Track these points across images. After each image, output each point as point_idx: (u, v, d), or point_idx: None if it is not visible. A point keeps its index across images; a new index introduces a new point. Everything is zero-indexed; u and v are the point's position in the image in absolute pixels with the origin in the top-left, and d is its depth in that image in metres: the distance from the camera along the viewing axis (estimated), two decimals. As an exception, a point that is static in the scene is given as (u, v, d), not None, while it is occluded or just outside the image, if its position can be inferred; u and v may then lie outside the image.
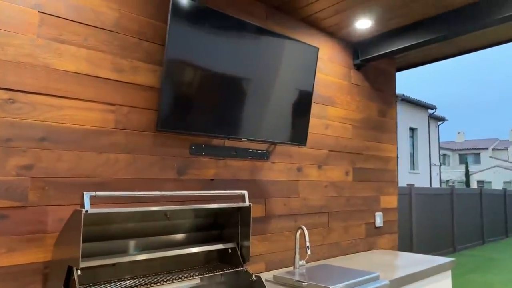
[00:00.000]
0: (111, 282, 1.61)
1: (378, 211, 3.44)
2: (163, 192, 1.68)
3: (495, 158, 35.39)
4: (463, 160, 36.60)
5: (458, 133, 43.77)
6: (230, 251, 1.98)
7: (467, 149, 37.86)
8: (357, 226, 3.21)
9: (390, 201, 3.59)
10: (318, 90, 2.92)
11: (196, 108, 2.04)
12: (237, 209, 2.00)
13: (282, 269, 2.56)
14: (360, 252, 3.22)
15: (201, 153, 2.18)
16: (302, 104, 2.59)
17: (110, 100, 1.85)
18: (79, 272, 1.45)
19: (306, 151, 2.82)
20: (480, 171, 33.20)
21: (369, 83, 3.42)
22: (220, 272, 1.85)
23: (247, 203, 1.95)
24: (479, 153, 37.08)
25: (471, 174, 32.14)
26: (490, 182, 31.39)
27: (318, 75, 2.90)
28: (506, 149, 37.08)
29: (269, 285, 2.14)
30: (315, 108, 2.88)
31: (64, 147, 1.69)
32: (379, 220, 3.42)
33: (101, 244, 1.63)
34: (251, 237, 2.12)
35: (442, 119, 21.69)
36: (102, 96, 1.82)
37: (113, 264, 1.64)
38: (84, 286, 1.54)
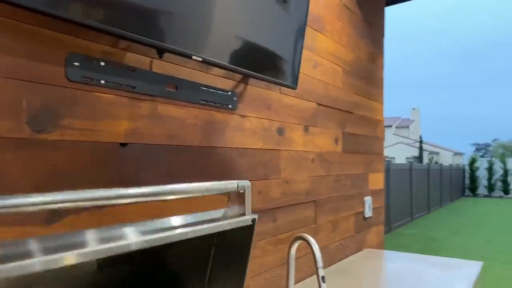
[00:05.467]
0: None
1: (367, 194, 2.45)
2: None
3: (398, 135, 37.81)
4: (369, 137, 38.58)
5: (365, 111, 45.99)
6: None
7: (374, 126, 39.98)
8: (346, 219, 2.18)
9: (378, 180, 2.63)
10: (307, 2, 1.77)
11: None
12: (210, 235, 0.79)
13: (255, 309, 1.41)
14: (349, 256, 2.21)
15: (96, 80, 0.91)
16: (296, 14, 1.42)
17: None
18: None
19: (291, 101, 1.67)
20: (386, 147, 35.20)
21: (360, 11, 2.35)
22: None
23: (248, 217, 0.75)
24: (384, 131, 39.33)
25: (377, 150, 33.83)
26: (394, 158, 33.41)
27: (307, -25, 1.73)
28: (408, 127, 39.83)
29: None
30: (302, 30, 1.72)
31: None
32: (368, 208, 2.43)
33: None
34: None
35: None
36: None
37: None
38: None
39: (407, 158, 31.97)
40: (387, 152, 34.41)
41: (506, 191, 20.97)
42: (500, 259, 6.81)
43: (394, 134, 38.34)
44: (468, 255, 7.10)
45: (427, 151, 32.32)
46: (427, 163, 17.42)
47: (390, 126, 39.33)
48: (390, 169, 8.62)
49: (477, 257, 6.96)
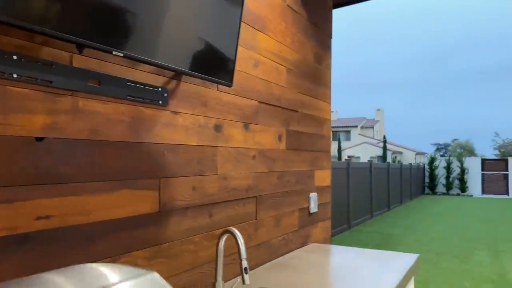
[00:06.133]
0: None
1: (312, 191, 2.52)
2: None
3: (363, 135, 38.73)
4: (336, 137, 39.31)
5: (332, 111, 46.88)
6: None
7: (340, 126, 40.77)
8: (289, 215, 2.23)
9: (324, 177, 2.71)
10: (246, 2, 1.81)
11: None
12: None
13: (188, 303, 1.44)
14: (293, 250, 2.27)
15: (8, 74, 0.91)
16: (230, 11, 1.45)
17: None
18: None
19: (230, 99, 1.70)
20: (351, 147, 35.98)
21: (306, 12, 2.41)
22: None
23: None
24: (350, 131, 40.20)
25: (343, 150, 34.60)
26: (359, 157, 34.19)
27: (247, -25, 1.77)
28: (372, 127, 40.88)
29: None
30: (241, 30, 1.76)
31: None
32: (313, 204, 2.50)
33: None
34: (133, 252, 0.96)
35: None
36: None
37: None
38: None
39: (371, 157, 32.77)
40: (352, 152, 35.17)
41: (462, 189, 21.93)
42: (451, 253, 7.13)
43: (359, 134, 39.25)
44: (422, 249, 7.39)
45: (390, 150, 33.26)
46: (387, 162, 17.92)
47: (356, 126, 40.22)
48: (349, 168, 8.84)
49: (430, 251, 7.26)
